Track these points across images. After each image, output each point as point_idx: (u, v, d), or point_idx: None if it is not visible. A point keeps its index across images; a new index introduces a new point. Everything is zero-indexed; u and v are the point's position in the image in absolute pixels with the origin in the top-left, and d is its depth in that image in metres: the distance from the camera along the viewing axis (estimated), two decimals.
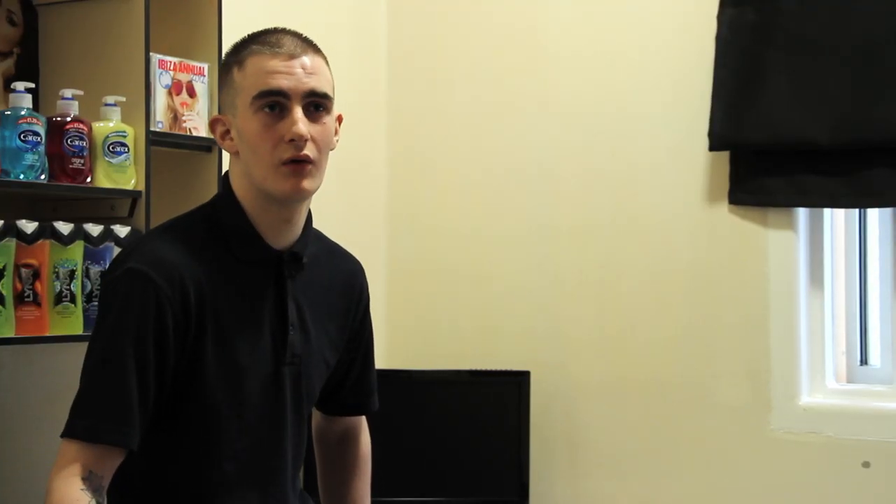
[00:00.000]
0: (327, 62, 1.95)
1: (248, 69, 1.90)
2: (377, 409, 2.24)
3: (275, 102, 1.88)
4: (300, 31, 1.98)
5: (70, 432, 1.79)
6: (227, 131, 1.94)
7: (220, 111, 1.99)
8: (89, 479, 1.77)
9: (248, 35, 1.97)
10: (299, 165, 1.88)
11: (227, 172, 1.99)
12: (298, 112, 1.88)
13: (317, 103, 1.91)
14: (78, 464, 1.77)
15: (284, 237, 1.96)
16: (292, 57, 1.89)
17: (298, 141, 1.87)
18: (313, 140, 1.89)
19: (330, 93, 1.93)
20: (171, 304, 1.83)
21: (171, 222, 1.98)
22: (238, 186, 1.95)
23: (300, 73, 1.89)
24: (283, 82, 1.88)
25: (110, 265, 1.96)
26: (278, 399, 1.96)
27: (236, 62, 1.92)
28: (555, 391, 3.31)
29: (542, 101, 3.37)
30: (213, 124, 1.97)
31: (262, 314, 1.95)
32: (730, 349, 3.12)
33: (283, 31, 1.94)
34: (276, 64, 1.88)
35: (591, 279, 3.29)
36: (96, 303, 2.30)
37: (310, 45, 1.93)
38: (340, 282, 2.10)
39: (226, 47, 2.46)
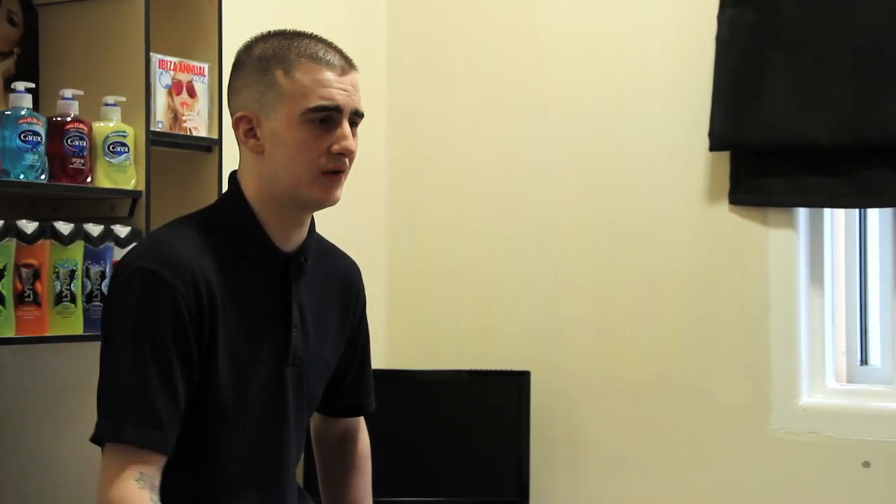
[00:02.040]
0: None
1: (301, 77, 1.89)
2: (374, 410, 2.24)
3: (328, 116, 1.90)
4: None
5: (114, 436, 1.78)
6: (251, 129, 1.93)
7: (239, 106, 1.95)
8: (142, 479, 1.77)
9: (279, 34, 1.95)
10: (337, 176, 1.92)
11: (233, 173, 1.99)
12: (347, 128, 1.92)
13: (355, 121, 1.95)
14: (126, 467, 1.77)
15: (292, 240, 1.97)
16: (344, 73, 1.92)
17: (347, 156, 1.91)
18: None
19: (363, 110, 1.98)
20: (186, 302, 1.83)
21: (176, 222, 1.97)
22: (249, 187, 1.95)
23: (351, 90, 1.93)
24: (339, 97, 1.90)
25: (119, 265, 1.95)
26: (281, 400, 1.97)
27: (281, 66, 1.90)
28: (555, 391, 3.31)
29: (542, 101, 3.37)
30: (237, 121, 1.94)
31: (266, 315, 1.95)
32: (729, 349, 3.12)
33: (323, 42, 1.95)
34: (332, 78, 1.91)
35: (591, 279, 3.29)
36: (97, 303, 2.31)
37: (352, 63, 1.96)
38: (338, 283, 2.11)
39: (226, 47, 2.47)
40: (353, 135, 1.94)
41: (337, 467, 2.24)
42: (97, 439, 1.81)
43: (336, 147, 1.90)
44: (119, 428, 1.78)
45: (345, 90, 1.91)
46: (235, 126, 1.95)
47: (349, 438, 2.24)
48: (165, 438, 1.81)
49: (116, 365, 1.82)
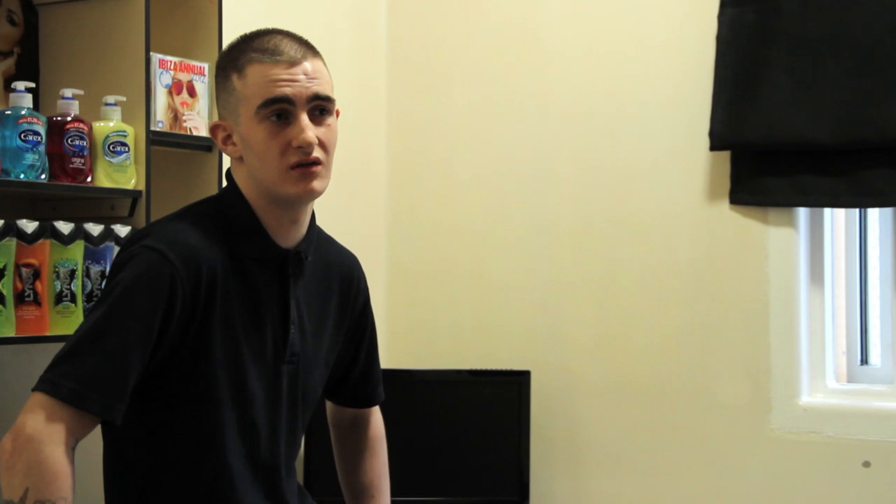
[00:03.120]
0: (324, 62, 1.96)
1: (250, 77, 1.90)
2: (384, 399, 2.26)
3: (281, 110, 1.89)
4: (300, 31, 1.98)
5: (56, 391, 1.76)
6: (229, 136, 1.95)
7: (219, 116, 1.98)
8: (74, 449, 1.77)
9: (242, 38, 1.96)
10: (308, 168, 1.90)
11: (229, 170, 1.99)
12: (305, 119, 1.89)
13: (321, 107, 1.92)
14: (67, 430, 1.75)
15: (291, 237, 1.97)
16: (293, 63, 1.90)
17: (307, 148, 1.89)
18: (320, 142, 1.91)
19: (332, 94, 1.94)
20: (183, 286, 1.83)
21: (182, 211, 1.98)
22: (243, 187, 1.96)
23: (303, 79, 1.90)
24: (287, 90, 1.88)
25: (126, 242, 1.95)
26: (276, 397, 1.97)
27: (235, 69, 1.92)
28: (555, 391, 3.31)
29: (542, 101, 3.37)
30: (213, 130, 1.97)
31: (265, 311, 1.95)
32: (730, 349, 3.12)
33: (280, 34, 1.93)
34: (278, 72, 1.89)
35: (591, 279, 3.29)
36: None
37: (308, 48, 1.94)
38: (337, 277, 2.11)
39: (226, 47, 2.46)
40: (323, 122, 1.92)
41: (351, 449, 2.26)
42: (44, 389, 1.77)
43: (295, 142, 1.88)
44: (60, 385, 1.76)
45: (295, 81, 1.89)
46: (212, 136, 1.97)
47: (361, 423, 2.26)
48: (113, 407, 1.78)
49: (90, 327, 1.80)
